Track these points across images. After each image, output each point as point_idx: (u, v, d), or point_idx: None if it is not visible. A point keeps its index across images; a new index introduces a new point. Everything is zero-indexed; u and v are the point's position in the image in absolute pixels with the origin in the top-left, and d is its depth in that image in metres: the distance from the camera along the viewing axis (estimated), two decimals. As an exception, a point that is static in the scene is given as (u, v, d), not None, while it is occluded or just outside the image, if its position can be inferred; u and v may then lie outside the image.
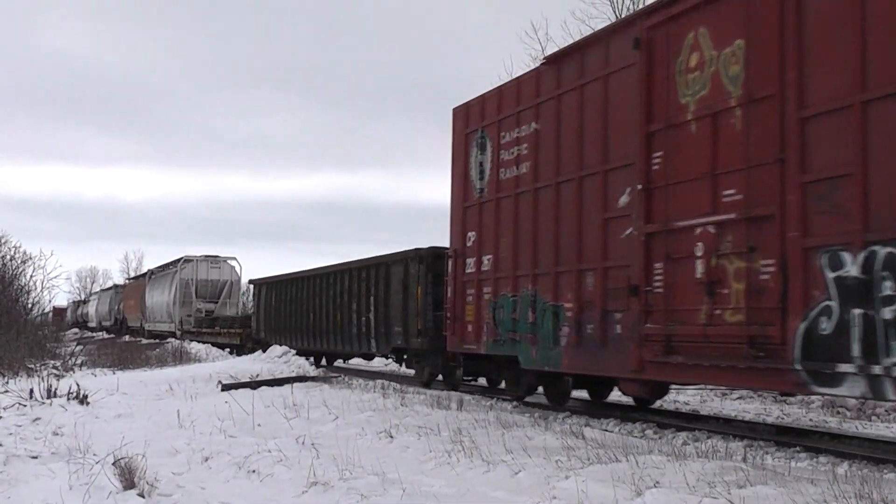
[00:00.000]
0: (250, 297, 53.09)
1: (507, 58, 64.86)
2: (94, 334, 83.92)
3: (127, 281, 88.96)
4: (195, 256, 55.93)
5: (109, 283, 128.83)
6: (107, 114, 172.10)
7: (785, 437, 13.92)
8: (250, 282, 37.89)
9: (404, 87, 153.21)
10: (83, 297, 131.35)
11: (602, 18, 32.95)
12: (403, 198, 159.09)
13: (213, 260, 56.15)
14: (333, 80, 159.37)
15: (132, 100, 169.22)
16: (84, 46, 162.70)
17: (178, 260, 56.59)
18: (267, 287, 37.61)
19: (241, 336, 40.18)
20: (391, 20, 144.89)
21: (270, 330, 36.51)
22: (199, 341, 46.18)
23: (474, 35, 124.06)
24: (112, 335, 75.18)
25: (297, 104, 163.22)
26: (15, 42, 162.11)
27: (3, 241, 39.28)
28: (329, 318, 30.32)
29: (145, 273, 70.17)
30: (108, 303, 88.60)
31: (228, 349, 42.22)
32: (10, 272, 37.99)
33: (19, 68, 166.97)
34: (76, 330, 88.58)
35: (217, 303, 54.99)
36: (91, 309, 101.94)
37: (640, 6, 32.49)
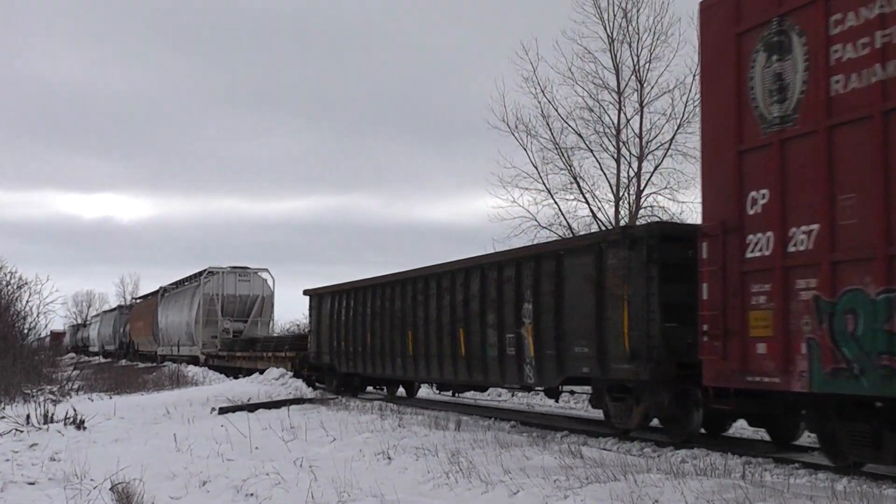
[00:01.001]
0: (288, 313, 47.30)
1: (500, 78, 64.77)
2: (93, 359, 78.40)
3: (133, 301, 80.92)
4: (221, 268, 47.55)
5: (106, 307, 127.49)
6: (99, 137, 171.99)
7: (783, 453, 13.89)
8: (305, 292, 30.13)
9: (396, 108, 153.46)
10: (81, 320, 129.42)
11: (594, 37, 33.02)
12: (396, 219, 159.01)
13: (241, 272, 47.71)
14: (326, 102, 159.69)
15: (125, 123, 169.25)
16: (76, 71, 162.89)
17: (201, 273, 48.08)
18: (333, 298, 28.31)
19: (294, 361, 31.71)
20: (382, 42, 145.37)
21: (338, 353, 27.48)
22: (231, 367, 39.37)
23: (465, 56, 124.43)
24: (116, 360, 68.76)
25: (290, 126, 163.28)
26: (6, 67, 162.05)
27: (-1, 266, 39.25)
28: (443, 336, 21.36)
29: (156, 291, 61.55)
30: (111, 325, 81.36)
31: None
32: (6, 297, 37.94)
33: (10, 94, 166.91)
34: (72, 355, 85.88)
35: (246, 322, 47.05)
36: (92, 332, 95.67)
37: (633, 26, 32.62)
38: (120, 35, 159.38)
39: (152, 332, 59.20)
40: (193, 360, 47.25)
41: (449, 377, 21.62)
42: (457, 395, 26.53)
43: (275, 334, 45.97)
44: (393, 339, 23.90)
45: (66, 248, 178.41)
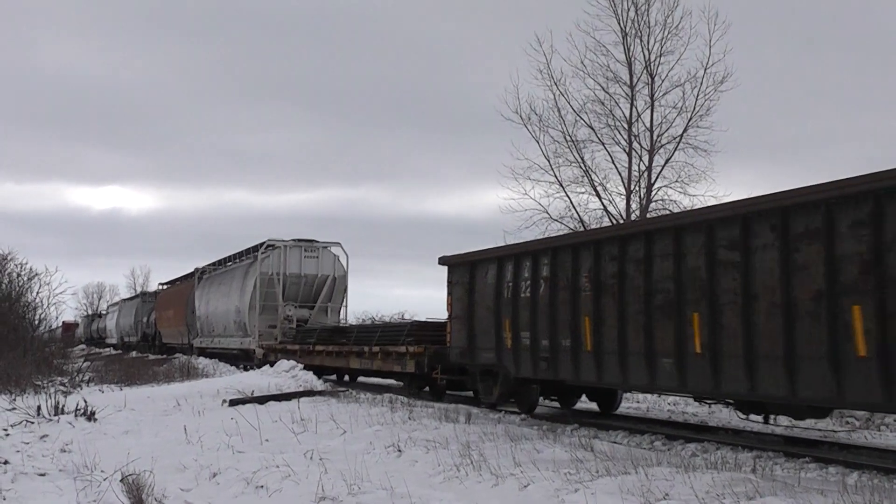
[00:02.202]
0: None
1: (511, 71, 64.61)
2: (105, 351, 72.59)
3: (160, 287, 69.38)
4: (282, 241, 38.32)
5: (117, 298, 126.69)
6: (107, 129, 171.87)
7: (794, 447, 13.87)
8: (443, 260, 21.76)
9: (406, 100, 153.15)
10: (97, 310, 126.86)
11: (607, 30, 32.94)
12: (405, 212, 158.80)
13: (307, 246, 38.53)
14: (335, 95, 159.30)
15: (133, 115, 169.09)
16: (84, 63, 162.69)
17: (257, 247, 39.37)
18: (502, 265, 19.47)
19: (421, 360, 23.19)
20: (393, 34, 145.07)
21: (513, 349, 18.85)
22: (308, 365, 28.95)
23: (478, 48, 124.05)
24: (140, 354, 61.72)
25: (299, 118, 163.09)
26: (15, 60, 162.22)
27: (9, 258, 39.32)
28: (744, 319, 12.99)
29: (191, 273, 53.65)
30: (132, 314, 73.92)
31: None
32: (17, 289, 38.03)
33: (20, 86, 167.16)
34: (83, 346, 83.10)
35: (313, 308, 38.63)
36: (110, 323, 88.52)
37: (644, 20, 32.55)
38: (129, 27, 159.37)
39: (185, 322, 51.72)
40: (244, 355, 39.47)
41: (766, 389, 12.90)
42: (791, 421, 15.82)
43: (346, 323, 38.11)
44: (656, 327, 14.86)
45: (75, 240, 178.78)
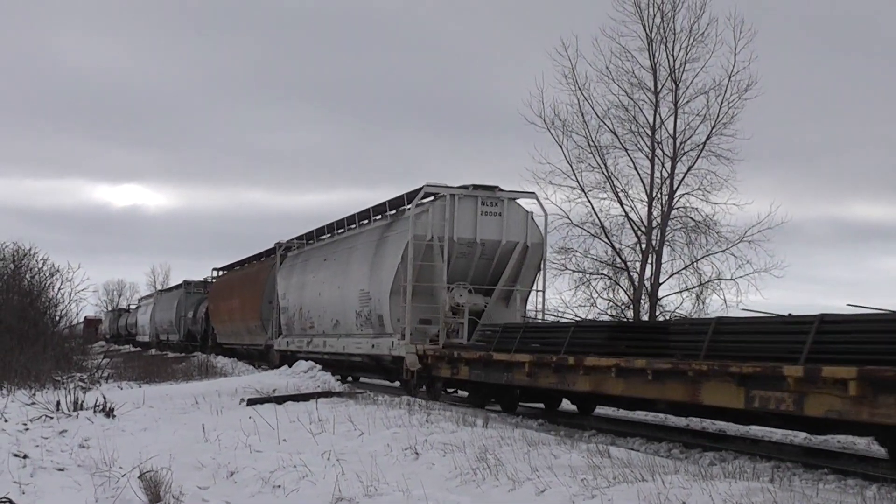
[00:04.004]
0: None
1: (534, 75, 64.65)
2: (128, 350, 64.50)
3: (216, 272, 54.21)
4: (447, 188, 25.27)
5: (136, 297, 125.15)
6: (127, 127, 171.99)
7: (813, 458, 13.81)
8: None
9: (425, 102, 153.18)
10: (117, 306, 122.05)
11: (632, 36, 32.91)
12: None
13: (487, 197, 25.34)
14: (354, 96, 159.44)
15: (153, 113, 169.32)
16: (104, 62, 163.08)
17: (407, 197, 26.05)
18: None
19: None
20: (414, 35, 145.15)
21: None
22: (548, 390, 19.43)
23: (499, 52, 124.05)
24: (187, 354, 51.10)
25: (317, 119, 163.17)
26: (35, 57, 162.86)
27: (31, 253, 39.45)
28: None
29: (269, 251, 41.79)
30: (172, 308, 62.46)
31: None
32: (38, 285, 38.17)
33: (39, 83, 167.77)
34: (103, 343, 74.49)
35: (492, 293, 25.54)
36: (142, 318, 77.38)
37: (670, 26, 32.47)
38: (148, 26, 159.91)
39: (259, 316, 39.94)
40: (376, 365, 27.60)
41: None
42: None
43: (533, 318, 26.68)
44: None
45: (94, 237, 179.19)
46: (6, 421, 15.40)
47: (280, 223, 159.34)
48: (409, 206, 25.28)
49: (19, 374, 23.75)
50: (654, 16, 33.00)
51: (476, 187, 25.14)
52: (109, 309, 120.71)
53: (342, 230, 31.76)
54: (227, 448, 13.37)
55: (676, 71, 33.04)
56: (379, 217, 28.45)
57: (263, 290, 39.66)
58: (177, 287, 66.16)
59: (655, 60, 33.14)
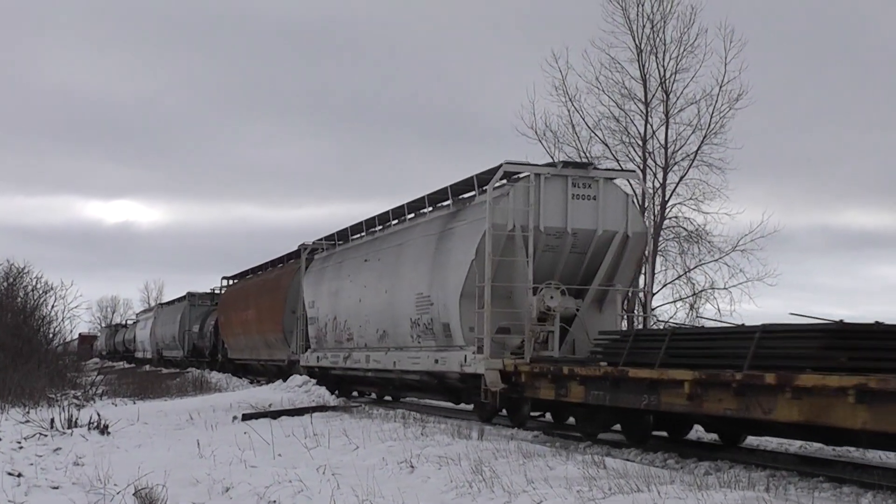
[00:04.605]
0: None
1: (525, 87, 64.66)
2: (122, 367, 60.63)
3: (226, 281, 48.85)
4: (530, 165, 21.44)
5: (130, 313, 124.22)
6: (118, 143, 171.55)
7: (808, 467, 13.81)
8: None
9: (416, 115, 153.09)
10: (111, 322, 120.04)
11: (622, 47, 32.98)
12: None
13: (579, 177, 20.75)
14: (345, 109, 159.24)
15: (143, 129, 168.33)
16: (95, 77, 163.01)
17: (488, 175, 20.80)
18: None
19: None
20: (405, 49, 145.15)
21: None
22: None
23: (491, 63, 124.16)
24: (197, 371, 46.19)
25: (309, 133, 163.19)
26: (25, 74, 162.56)
27: (24, 271, 39.41)
28: None
29: (291, 253, 37.14)
30: (175, 322, 58.51)
31: None
32: (32, 302, 38.13)
33: (30, 99, 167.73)
34: (96, 360, 72.38)
35: (585, 293, 20.93)
36: (141, 333, 73.28)
37: (660, 37, 32.56)
38: (139, 42, 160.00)
39: (280, 328, 35.44)
40: (439, 385, 22.86)
41: None
42: None
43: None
44: None
45: (87, 254, 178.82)
46: (0, 439, 15.36)
47: (273, 237, 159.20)
48: (477, 192, 21.29)
49: (13, 392, 23.70)
50: (644, 27, 33.11)
51: (566, 164, 21.11)
52: (105, 325, 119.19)
53: (384, 225, 27.27)
54: (222, 464, 13.35)
55: (667, 81, 33.15)
56: (436, 207, 23.92)
57: (286, 298, 35.14)
58: (179, 300, 61.65)
59: (646, 71, 33.25)
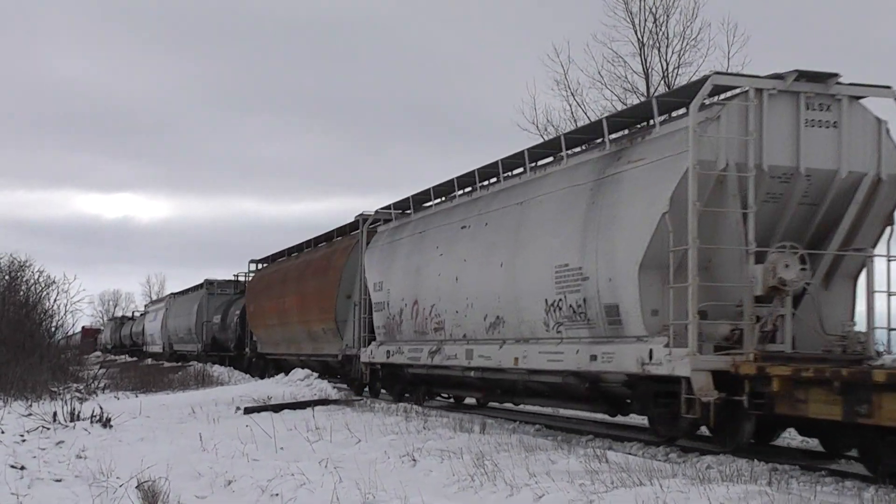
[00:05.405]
0: None
1: (526, 81, 64.55)
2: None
3: (255, 265, 43.08)
4: (748, 77, 15.22)
5: (132, 307, 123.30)
6: (118, 138, 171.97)
7: (810, 460, 13.81)
8: None
9: (416, 110, 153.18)
10: (113, 316, 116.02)
11: (624, 41, 32.87)
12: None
13: (815, 97, 14.39)
14: (346, 105, 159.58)
15: (143, 124, 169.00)
16: (95, 72, 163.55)
17: (692, 90, 14.62)
18: None
19: None
20: (405, 44, 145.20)
21: None
22: None
23: (492, 58, 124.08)
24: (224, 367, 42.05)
25: (309, 128, 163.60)
26: (26, 69, 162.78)
27: (26, 265, 39.46)
28: None
29: (325, 235, 33.44)
30: (191, 313, 53.03)
31: None
32: (34, 296, 38.17)
33: (30, 94, 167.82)
34: (98, 353, 72.44)
35: (819, 260, 14.64)
36: (151, 326, 67.77)
37: (662, 31, 32.49)
38: (138, 37, 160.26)
39: (334, 317, 29.28)
40: (598, 396, 16.85)
41: None
42: None
43: None
44: None
45: (87, 248, 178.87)
46: (3, 433, 15.39)
47: (274, 232, 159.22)
48: (657, 121, 15.52)
49: (16, 386, 23.73)
50: (647, 21, 32.97)
51: (800, 76, 14.44)
52: (110, 317, 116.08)
53: (489, 181, 21.31)
54: (224, 457, 13.36)
55: (669, 76, 33.01)
56: (582, 148, 18.03)
57: (339, 280, 29.15)
58: (194, 289, 55.84)
59: (648, 65, 33.13)
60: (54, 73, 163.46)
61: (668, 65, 33.00)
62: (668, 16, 32.93)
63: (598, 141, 17.24)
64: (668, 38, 32.97)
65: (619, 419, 18.20)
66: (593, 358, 15.82)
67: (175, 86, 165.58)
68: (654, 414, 15.33)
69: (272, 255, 40.86)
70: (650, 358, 14.31)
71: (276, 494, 10.51)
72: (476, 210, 20.99)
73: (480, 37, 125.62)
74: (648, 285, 14.71)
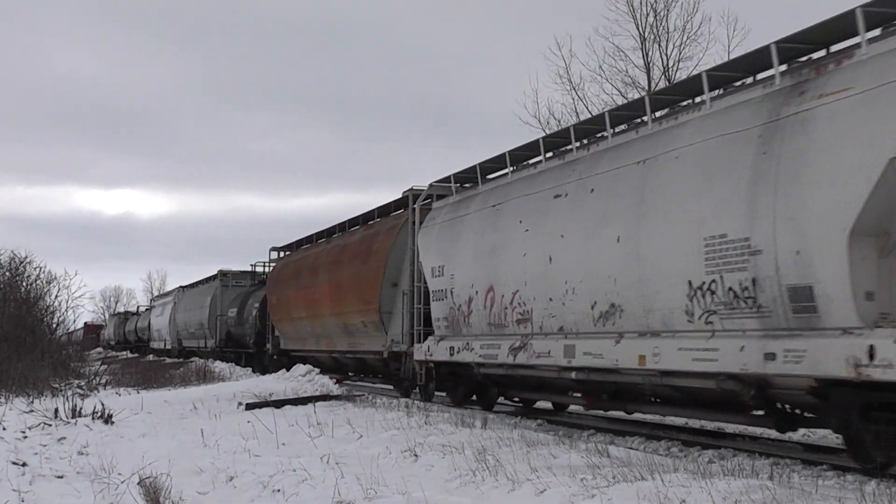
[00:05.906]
0: None
1: (527, 75, 64.59)
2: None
3: (276, 252, 39.52)
4: None
5: (133, 303, 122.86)
6: (118, 134, 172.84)
7: (811, 454, 13.81)
8: None
9: (417, 104, 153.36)
10: (115, 312, 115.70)
11: (625, 35, 32.85)
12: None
13: None
14: (345, 99, 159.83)
15: (143, 119, 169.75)
16: (94, 68, 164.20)
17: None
18: None
19: None
20: (405, 38, 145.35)
21: None
22: None
23: (493, 54, 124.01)
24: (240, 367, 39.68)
25: (309, 123, 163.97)
26: (25, 65, 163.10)
27: (27, 261, 39.41)
28: None
29: (363, 215, 29.70)
30: (204, 307, 49.20)
31: None
32: (35, 292, 38.14)
33: (29, 90, 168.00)
34: (99, 349, 70.98)
35: None
36: (158, 321, 63.84)
37: (663, 25, 32.45)
38: (139, 33, 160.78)
39: (377, 308, 25.55)
40: (770, 408, 13.11)
41: None
42: None
43: None
44: None
45: (88, 244, 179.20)
46: (4, 429, 15.38)
47: (274, 227, 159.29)
48: (864, 39, 11.47)
49: (17, 382, 23.70)
50: (648, 15, 33.00)
51: None
52: (114, 312, 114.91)
53: (588, 139, 17.93)
54: (226, 453, 13.36)
55: (670, 70, 33.05)
56: (730, 89, 14.17)
57: (384, 266, 25.31)
58: (206, 280, 52.08)
59: (649, 59, 33.18)
60: (55, 69, 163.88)
61: (668, 59, 33.05)
62: (668, 10, 32.97)
63: (757, 78, 13.62)
64: (668, 33, 33.02)
65: (621, 415, 18.21)
66: (769, 357, 11.97)
67: (176, 82, 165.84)
68: (863, 433, 11.46)
69: (297, 240, 37.16)
70: (870, 357, 10.45)
71: (278, 490, 10.52)
72: (574, 174, 17.05)
73: (481, 32, 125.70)
74: (861, 259, 10.96)
